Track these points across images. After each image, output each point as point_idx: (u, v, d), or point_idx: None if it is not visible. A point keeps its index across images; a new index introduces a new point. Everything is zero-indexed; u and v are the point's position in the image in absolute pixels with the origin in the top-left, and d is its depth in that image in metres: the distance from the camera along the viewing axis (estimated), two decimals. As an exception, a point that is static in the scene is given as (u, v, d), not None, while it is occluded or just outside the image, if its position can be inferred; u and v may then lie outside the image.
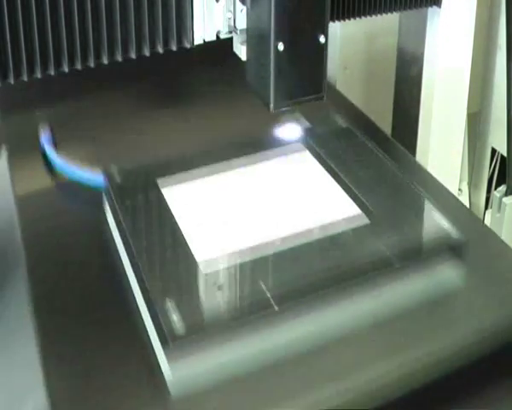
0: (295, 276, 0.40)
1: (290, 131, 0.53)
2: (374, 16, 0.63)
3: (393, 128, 0.75)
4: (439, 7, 0.66)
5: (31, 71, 0.48)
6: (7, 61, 0.47)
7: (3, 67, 0.48)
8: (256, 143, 0.51)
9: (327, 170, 0.49)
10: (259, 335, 0.38)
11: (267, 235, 0.43)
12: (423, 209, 0.46)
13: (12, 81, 0.48)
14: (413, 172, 0.54)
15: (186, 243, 0.42)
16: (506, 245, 0.48)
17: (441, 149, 0.72)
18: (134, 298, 0.42)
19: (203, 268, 0.40)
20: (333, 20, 0.61)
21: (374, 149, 0.51)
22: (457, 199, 0.55)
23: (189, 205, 0.46)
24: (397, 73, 0.74)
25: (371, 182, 0.48)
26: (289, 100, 0.50)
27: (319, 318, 0.39)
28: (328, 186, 0.47)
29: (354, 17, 0.62)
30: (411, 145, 0.71)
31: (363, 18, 0.62)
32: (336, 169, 0.49)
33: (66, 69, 0.49)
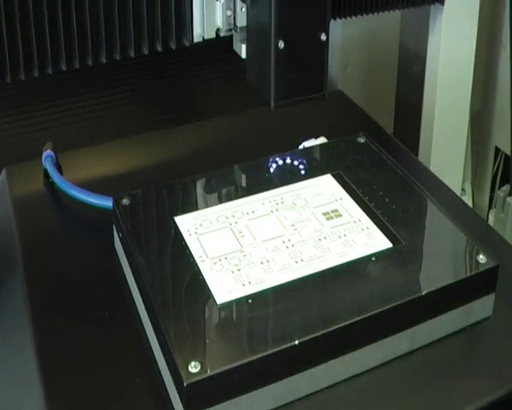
0: (319, 314, 0.39)
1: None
2: (376, 14, 0.62)
3: (395, 127, 0.75)
4: (442, 4, 0.65)
5: (28, 70, 0.48)
6: (4, 61, 0.47)
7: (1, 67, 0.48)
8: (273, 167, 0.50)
9: (350, 194, 0.48)
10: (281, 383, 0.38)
11: (289, 269, 0.42)
12: (456, 239, 0.44)
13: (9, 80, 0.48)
14: (416, 171, 0.54)
15: (203, 277, 0.41)
16: (510, 245, 0.49)
17: (444, 149, 0.71)
18: (144, 332, 0.41)
19: (220, 305, 0.40)
20: (334, 17, 0.61)
21: (395, 167, 0.50)
22: (460, 199, 0.55)
23: (205, 235, 0.45)
24: (399, 71, 0.73)
25: (396, 205, 0.47)
26: (289, 99, 0.50)
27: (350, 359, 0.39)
28: (352, 212, 0.47)
29: (356, 15, 0.61)
30: (414, 144, 0.71)
31: (364, 16, 0.62)
32: (360, 193, 0.48)
33: (64, 68, 0.49)
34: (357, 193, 0.49)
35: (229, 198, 0.49)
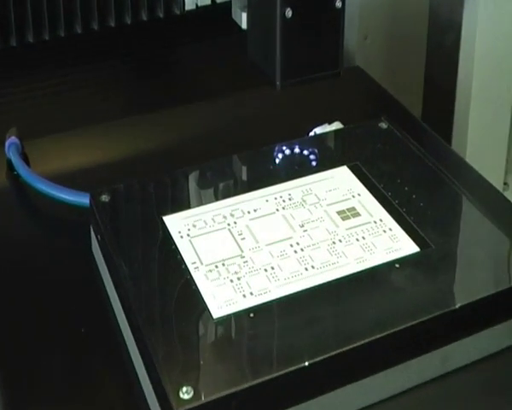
0: (333, 330, 0.40)
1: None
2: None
3: (424, 109, 0.75)
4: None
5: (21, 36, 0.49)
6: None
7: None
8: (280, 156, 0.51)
9: (370, 189, 0.49)
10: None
11: (298, 278, 0.42)
12: (497, 242, 0.44)
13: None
14: (448, 162, 0.54)
15: (197, 287, 0.42)
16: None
17: (483, 136, 0.71)
18: (127, 352, 0.42)
19: (217, 319, 0.40)
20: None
21: (424, 157, 0.51)
22: (502, 195, 0.55)
23: (199, 237, 0.46)
24: (428, 43, 0.73)
25: (424, 203, 0.47)
26: (298, 77, 0.50)
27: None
28: (372, 211, 0.47)
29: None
30: (446, 130, 0.71)
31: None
32: (382, 188, 0.48)
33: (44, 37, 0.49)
34: (378, 188, 0.49)
35: (228, 194, 0.49)
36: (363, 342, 0.39)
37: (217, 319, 0.41)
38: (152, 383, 0.39)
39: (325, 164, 0.51)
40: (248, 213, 0.48)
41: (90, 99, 0.64)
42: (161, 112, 0.61)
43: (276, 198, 0.49)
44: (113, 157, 0.58)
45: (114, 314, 0.45)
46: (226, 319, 0.41)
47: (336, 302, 0.42)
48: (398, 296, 0.42)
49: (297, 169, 0.51)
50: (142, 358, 0.40)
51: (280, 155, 0.52)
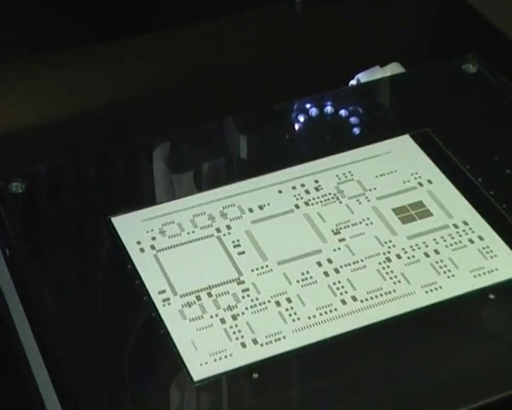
0: (380, 400, 0.40)
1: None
2: None
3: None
4: None
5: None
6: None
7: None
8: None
9: (446, 172, 0.49)
10: None
11: (329, 316, 0.43)
12: None
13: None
14: None
15: (167, 332, 0.42)
16: None
17: None
18: None
19: (199, 383, 0.41)
20: None
21: None
22: None
23: (171, 252, 0.46)
24: None
25: None
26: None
27: None
28: (450, 207, 0.48)
29: None
30: None
31: None
32: (467, 171, 0.49)
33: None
34: (460, 170, 0.49)
35: (217, 181, 0.49)
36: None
37: (199, 382, 0.41)
38: None
39: (375, 132, 0.51)
40: (250, 211, 0.48)
41: None
42: (122, 42, 0.62)
43: (294, 187, 0.49)
44: (34, 117, 0.58)
45: (31, 370, 0.45)
46: (214, 383, 0.41)
47: (391, 356, 0.42)
48: (493, 347, 0.42)
49: (328, 140, 0.51)
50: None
51: (301, 117, 0.52)
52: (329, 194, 0.48)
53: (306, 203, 0.48)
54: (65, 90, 0.60)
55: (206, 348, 0.42)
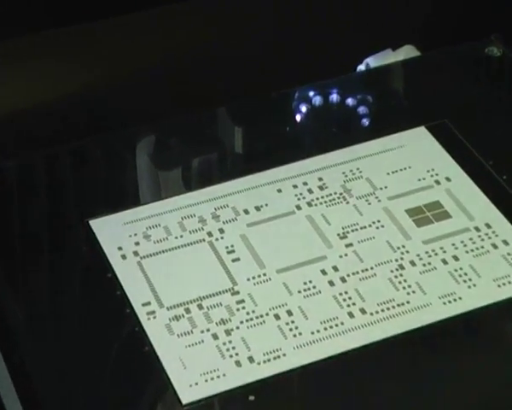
0: None
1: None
2: None
3: None
4: None
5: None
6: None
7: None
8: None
9: (466, 167, 0.49)
10: None
11: (334, 331, 0.43)
12: None
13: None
14: None
15: (153, 349, 0.43)
16: None
17: None
18: None
19: (188, 406, 0.41)
20: None
21: None
22: None
23: (157, 259, 0.46)
24: None
25: None
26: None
27: None
28: (472, 208, 0.48)
29: None
30: None
31: None
32: (490, 167, 0.49)
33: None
34: (482, 165, 0.49)
35: (208, 179, 0.49)
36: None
37: (188, 405, 0.41)
38: None
39: (386, 123, 0.51)
40: (245, 213, 0.48)
41: None
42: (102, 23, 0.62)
43: (295, 186, 0.49)
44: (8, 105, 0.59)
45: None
46: (205, 407, 0.41)
47: (404, 376, 0.42)
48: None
49: (334, 133, 0.51)
50: None
51: (304, 107, 0.53)
52: (335, 193, 0.49)
53: (309, 204, 0.48)
54: (33, 78, 0.60)
55: (197, 367, 0.42)
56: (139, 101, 0.57)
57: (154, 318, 0.44)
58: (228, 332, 0.43)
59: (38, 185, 0.50)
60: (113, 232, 0.47)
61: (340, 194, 0.48)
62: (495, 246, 0.46)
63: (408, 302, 0.44)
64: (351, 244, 0.46)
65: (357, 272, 0.45)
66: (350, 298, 0.44)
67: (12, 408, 0.44)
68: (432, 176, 0.49)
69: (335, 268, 0.45)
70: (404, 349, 0.43)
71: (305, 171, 0.49)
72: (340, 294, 0.44)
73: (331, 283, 0.45)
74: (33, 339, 0.43)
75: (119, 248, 0.46)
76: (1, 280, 0.45)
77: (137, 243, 0.47)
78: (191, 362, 0.42)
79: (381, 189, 0.49)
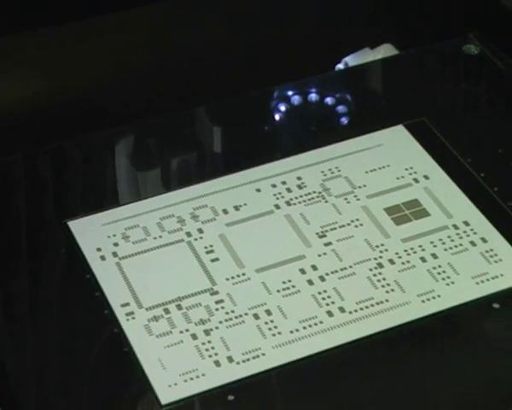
0: None
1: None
2: None
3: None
4: None
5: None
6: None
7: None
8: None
9: (445, 165, 0.49)
10: None
11: (314, 330, 0.43)
12: None
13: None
14: None
15: (132, 350, 0.43)
16: None
17: None
18: None
19: (167, 407, 0.41)
20: None
21: None
22: None
23: (135, 259, 0.46)
24: None
25: None
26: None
27: None
28: (450, 206, 0.48)
29: None
30: None
31: None
32: (468, 165, 0.49)
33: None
34: (461, 163, 0.49)
35: (187, 179, 0.49)
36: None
37: (167, 406, 0.41)
38: None
39: (365, 121, 0.52)
40: (224, 212, 0.48)
41: None
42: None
43: (274, 185, 0.49)
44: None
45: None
46: (184, 407, 0.41)
47: (383, 374, 0.42)
48: (498, 362, 0.42)
49: (313, 131, 0.51)
50: None
51: (282, 106, 0.53)
52: (314, 192, 0.49)
53: (288, 203, 0.48)
54: (13, 77, 0.60)
55: (176, 368, 0.42)
56: (117, 101, 0.57)
57: (133, 318, 0.44)
58: (207, 332, 0.43)
59: (16, 186, 0.49)
60: (92, 233, 0.47)
61: (319, 193, 0.48)
62: (473, 243, 0.46)
63: (387, 301, 0.44)
64: (330, 243, 0.46)
65: (336, 271, 0.45)
66: (329, 297, 0.44)
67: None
68: (410, 174, 0.49)
69: (314, 267, 0.45)
70: (384, 348, 0.43)
71: (284, 170, 0.49)
72: (319, 293, 0.44)
73: (310, 282, 0.45)
74: (11, 340, 0.43)
75: (98, 249, 0.46)
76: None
77: (116, 244, 0.46)
78: (170, 362, 0.42)
79: (360, 187, 0.49)
